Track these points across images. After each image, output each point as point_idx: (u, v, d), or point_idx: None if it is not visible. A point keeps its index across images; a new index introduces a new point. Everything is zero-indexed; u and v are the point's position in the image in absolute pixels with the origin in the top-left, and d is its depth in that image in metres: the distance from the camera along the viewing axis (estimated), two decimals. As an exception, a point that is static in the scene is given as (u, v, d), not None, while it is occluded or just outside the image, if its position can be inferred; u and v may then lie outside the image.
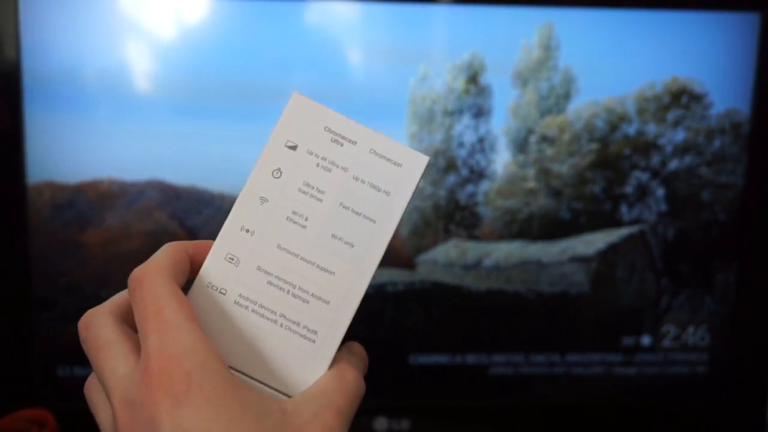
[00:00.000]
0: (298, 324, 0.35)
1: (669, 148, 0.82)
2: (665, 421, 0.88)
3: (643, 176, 0.82)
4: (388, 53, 0.78)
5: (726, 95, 0.81)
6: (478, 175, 0.81)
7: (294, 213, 0.36)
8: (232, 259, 0.36)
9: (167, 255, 0.34)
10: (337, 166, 0.36)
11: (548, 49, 0.79)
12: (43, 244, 0.77)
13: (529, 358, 0.84)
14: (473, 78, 0.79)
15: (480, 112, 0.80)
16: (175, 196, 0.78)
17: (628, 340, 0.85)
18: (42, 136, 0.75)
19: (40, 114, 0.75)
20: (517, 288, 0.83)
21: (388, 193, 0.36)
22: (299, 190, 0.36)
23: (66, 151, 0.76)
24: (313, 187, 0.36)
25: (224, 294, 0.35)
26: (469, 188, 0.81)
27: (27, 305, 0.78)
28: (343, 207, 0.36)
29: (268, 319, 0.35)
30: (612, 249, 0.83)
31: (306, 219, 0.36)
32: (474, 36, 0.79)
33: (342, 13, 0.77)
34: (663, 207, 0.83)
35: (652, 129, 0.81)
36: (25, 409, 0.70)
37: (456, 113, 0.80)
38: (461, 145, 0.80)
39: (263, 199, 0.36)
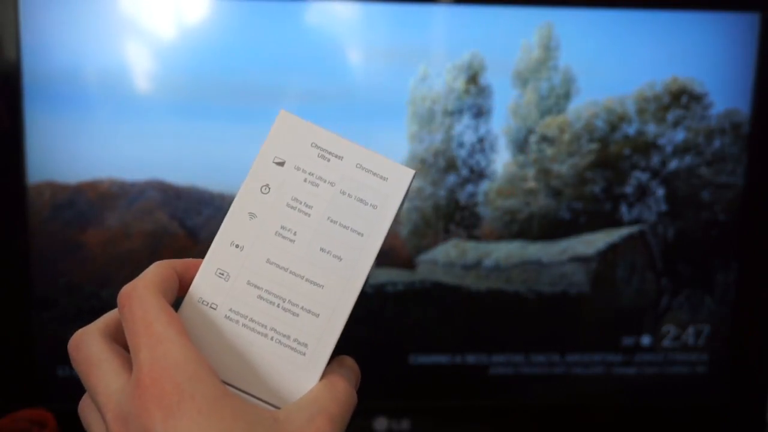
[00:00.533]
0: (289, 337, 0.35)
1: (669, 148, 0.81)
2: (665, 421, 0.88)
3: (643, 176, 0.82)
4: (388, 53, 0.78)
5: (726, 95, 0.81)
6: (478, 175, 0.81)
7: (282, 228, 0.36)
8: (222, 274, 0.36)
9: (156, 272, 0.34)
10: (325, 181, 0.37)
11: (548, 49, 0.79)
12: (43, 244, 0.77)
13: (529, 358, 0.85)
14: (473, 78, 0.79)
15: (480, 112, 0.80)
16: (175, 196, 0.78)
17: (628, 340, 0.85)
18: (42, 136, 0.75)
19: (40, 114, 0.75)
20: (517, 288, 0.83)
21: (375, 207, 0.36)
22: (287, 205, 0.36)
23: (66, 151, 0.76)
24: (301, 202, 0.36)
25: (215, 309, 0.35)
26: (469, 188, 0.81)
27: (27, 305, 0.78)
28: (331, 221, 0.36)
29: (258, 332, 0.35)
30: (612, 249, 0.83)
31: (294, 233, 0.36)
32: (474, 36, 0.78)
33: (342, 13, 0.77)
34: (663, 207, 0.83)
35: (652, 129, 0.81)
36: (25, 409, 0.70)
37: (456, 113, 0.80)
38: (461, 145, 0.80)
39: (252, 215, 0.36)
